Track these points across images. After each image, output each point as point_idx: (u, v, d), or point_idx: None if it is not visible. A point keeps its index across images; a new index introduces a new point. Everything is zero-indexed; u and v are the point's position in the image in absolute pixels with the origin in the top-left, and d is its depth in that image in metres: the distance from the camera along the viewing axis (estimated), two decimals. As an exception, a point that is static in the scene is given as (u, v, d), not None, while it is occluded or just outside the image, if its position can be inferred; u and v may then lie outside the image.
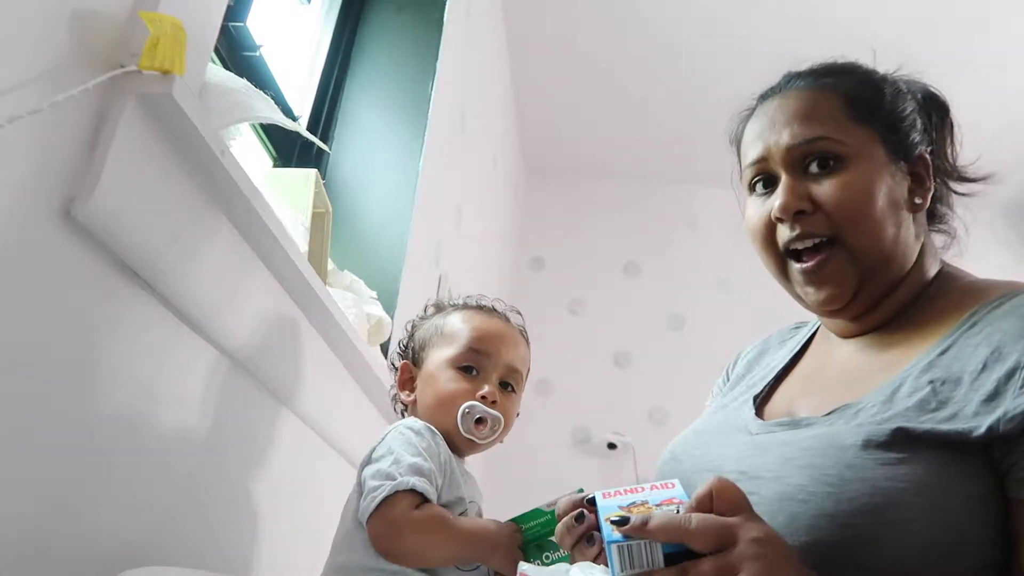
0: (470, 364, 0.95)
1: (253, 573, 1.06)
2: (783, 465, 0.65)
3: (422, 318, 1.06)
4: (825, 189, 0.71)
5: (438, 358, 0.96)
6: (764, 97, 0.80)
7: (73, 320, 0.69)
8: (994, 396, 0.59)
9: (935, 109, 0.80)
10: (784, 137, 0.74)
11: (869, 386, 0.69)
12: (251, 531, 1.06)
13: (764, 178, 0.77)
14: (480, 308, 1.02)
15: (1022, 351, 0.60)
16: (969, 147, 0.82)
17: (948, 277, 0.76)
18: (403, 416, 1.02)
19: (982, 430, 0.58)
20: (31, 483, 0.66)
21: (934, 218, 0.80)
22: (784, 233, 0.73)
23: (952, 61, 2.39)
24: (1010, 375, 0.60)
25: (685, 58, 2.74)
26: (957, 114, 0.82)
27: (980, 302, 0.68)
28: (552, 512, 0.85)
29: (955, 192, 0.80)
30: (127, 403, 0.77)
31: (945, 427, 0.60)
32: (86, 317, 0.71)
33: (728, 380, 0.94)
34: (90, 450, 0.72)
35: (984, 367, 0.61)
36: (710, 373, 3.49)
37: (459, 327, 0.98)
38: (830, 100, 0.74)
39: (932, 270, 0.77)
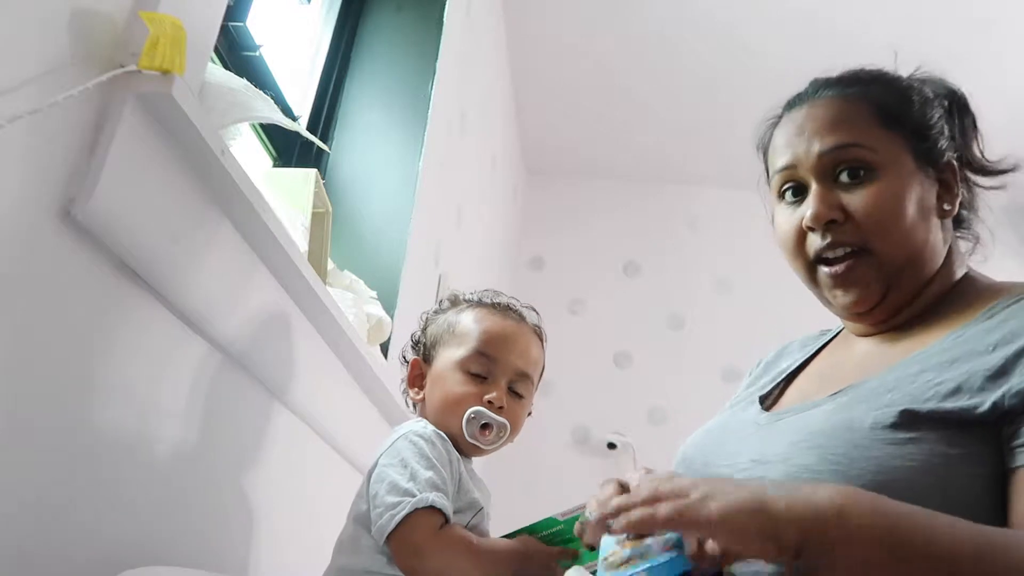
0: (480, 368, 0.93)
1: (252, 572, 1.06)
2: (791, 448, 0.66)
3: (436, 312, 1.03)
4: (856, 199, 0.71)
5: (447, 358, 0.95)
6: (791, 105, 0.80)
7: (73, 320, 0.69)
8: (1001, 373, 0.60)
9: (958, 108, 0.80)
10: (815, 145, 0.74)
11: (879, 370, 0.69)
12: (251, 531, 1.06)
13: (794, 186, 0.77)
14: (494, 307, 0.99)
15: None
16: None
17: (973, 281, 0.77)
18: (414, 408, 1.02)
19: (987, 406, 0.59)
20: (30, 482, 0.66)
21: (960, 223, 0.81)
22: (815, 241, 0.74)
23: (951, 60, 2.38)
24: (1020, 354, 0.60)
25: (685, 58, 2.74)
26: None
27: (1002, 298, 0.69)
28: (566, 521, 0.85)
29: (981, 187, 0.81)
30: (127, 402, 0.77)
31: (949, 405, 0.60)
32: (86, 317, 0.71)
33: (748, 381, 0.95)
34: (89, 450, 0.72)
35: (994, 348, 0.62)
36: (710, 373, 3.46)
37: (470, 328, 0.96)
38: (859, 108, 0.74)
39: (958, 273, 0.78)
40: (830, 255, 0.73)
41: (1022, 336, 0.61)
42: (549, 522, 0.87)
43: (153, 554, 0.82)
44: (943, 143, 0.76)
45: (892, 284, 0.73)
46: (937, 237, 0.75)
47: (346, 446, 1.36)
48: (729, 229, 3.22)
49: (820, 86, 0.79)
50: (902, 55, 0.84)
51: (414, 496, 0.80)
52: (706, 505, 0.52)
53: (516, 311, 1.00)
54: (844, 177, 0.72)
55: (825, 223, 0.72)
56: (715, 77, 2.78)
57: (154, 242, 0.76)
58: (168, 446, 0.85)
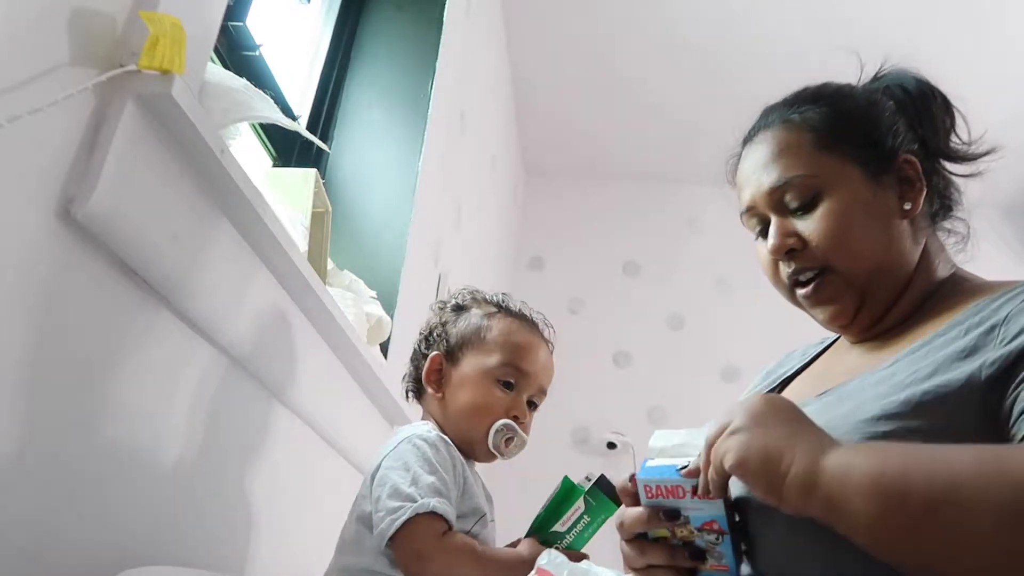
0: (510, 379, 0.96)
1: (252, 571, 1.06)
2: None
3: (456, 308, 1.03)
4: (808, 225, 0.75)
5: (478, 365, 0.96)
6: (746, 140, 0.84)
7: (72, 320, 0.69)
8: (972, 351, 0.61)
9: (917, 100, 0.81)
10: (763, 183, 0.78)
11: (864, 372, 0.71)
12: (252, 530, 1.06)
13: (759, 222, 0.81)
14: (523, 319, 1.02)
15: (1002, 315, 0.62)
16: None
17: (960, 280, 0.77)
18: (407, 397, 1.02)
19: (961, 380, 0.60)
20: (31, 481, 0.66)
21: (940, 216, 0.81)
22: (784, 269, 0.78)
23: (956, 53, 2.38)
24: (988, 332, 0.62)
25: (686, 57, 2.74)
26: (961, 107, 0.81)
27: (985, 297, 0.69)
28: (546, 508, 0.87)
29: (958, 175, 0.81)
30: (127, 402, 0.77)
31: (925, 386, 0.61)
32: (85, 317, 0.71)
33: (749, 389, 0.96)
34: (88, 450, 0.72)
35: (966, 333, 0.64)
36: (710, 373, 3.44)
37: (504, 338, 0.98)
38: (799, 137, 0.77)
39: (941, 272, 0.78)
40: (801, 278, 0.77)
41: (989, 319, 0.63)
42: (536, 518, 0.88)
43: (153, 554, 0.82)
44: (895, 142, 0.77)
45: (865, 293, 0.75)
46: (904, 239, 0.76)
47: (346, 445, 1.36)
48: (729, 229, 3.19)
49: (765, 115, 0.82)
50: (907, 48, 0.84)
51: (415, 501, 0.80)
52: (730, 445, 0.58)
53: (540, 329, 1.03)
54: (794, 205, 0.76)
55: (786, 252, 0.76)
56: (716, 77, 2.78)
57: (154, 242, 0.76)
58: (168, 445, 0.85)
